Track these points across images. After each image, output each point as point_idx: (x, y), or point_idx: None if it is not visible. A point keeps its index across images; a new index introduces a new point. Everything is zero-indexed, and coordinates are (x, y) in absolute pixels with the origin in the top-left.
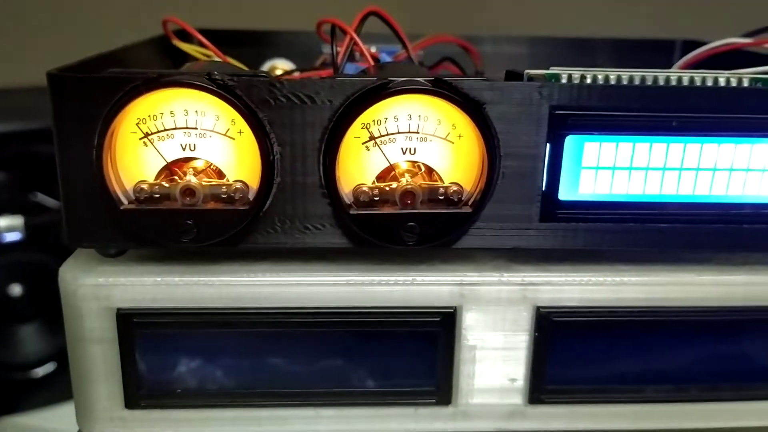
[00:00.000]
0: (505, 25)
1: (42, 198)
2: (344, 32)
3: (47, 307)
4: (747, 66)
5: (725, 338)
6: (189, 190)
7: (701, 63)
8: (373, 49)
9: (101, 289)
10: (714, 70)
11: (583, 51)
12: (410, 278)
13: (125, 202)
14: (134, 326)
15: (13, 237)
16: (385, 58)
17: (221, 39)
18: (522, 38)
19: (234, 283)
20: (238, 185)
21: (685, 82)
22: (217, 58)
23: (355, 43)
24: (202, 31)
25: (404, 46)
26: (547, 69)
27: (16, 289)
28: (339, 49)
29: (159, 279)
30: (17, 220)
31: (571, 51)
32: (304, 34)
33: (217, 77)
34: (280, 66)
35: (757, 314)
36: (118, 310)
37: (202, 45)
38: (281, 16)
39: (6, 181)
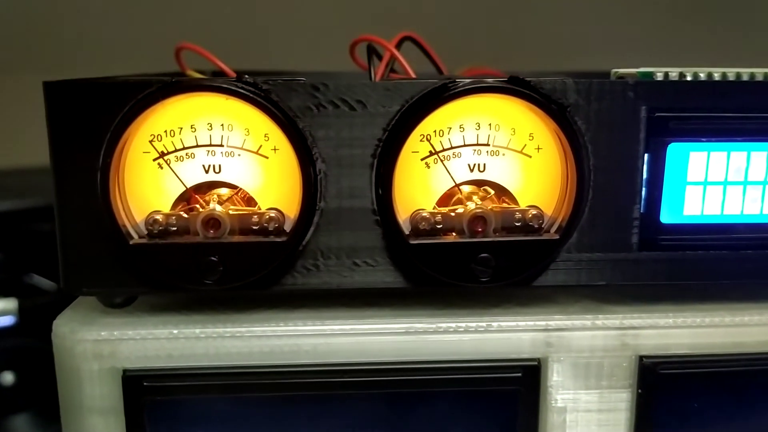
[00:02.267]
0: (546, 61)
1: (38, 280)
2: (379, 57)
3: (42, 396)
4: None
5: None
6: (213, 221)
7: None
8: None
9: (104, 345)
10: None
11: None
12: (484, 324)
13: (135, 236)
14: (144, 392)
15: (5, 321)
16: None
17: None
18: (567, 74)
19: (268, 335)
20: (272, 214)
21: None
22: None
23: (395, 63)
24: (215, 74)
25: (441, 75)
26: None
27: (8, 377)
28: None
29: (176, 331)
30: (10, 303)
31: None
32: (326, 75)
33: (248, 80)
34: None
35: None
36: (125, 371)
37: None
38: (301, 56)
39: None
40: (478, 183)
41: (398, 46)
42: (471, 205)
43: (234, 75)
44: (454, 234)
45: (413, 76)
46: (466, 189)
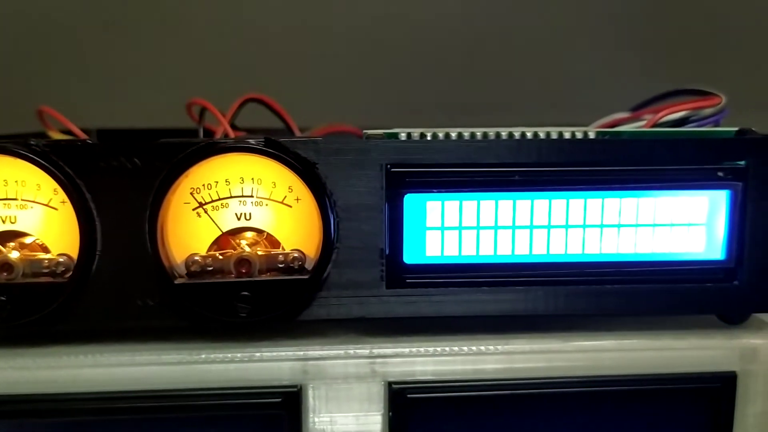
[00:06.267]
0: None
1: None
2: (218, 116)
3: None
4: None
5: (598, 413)
6: (6, 265)
7: None
8: None
9: None
10: None
11: None
12: (248, 355)
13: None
14: None
15: None
16: None
17: (124, 139)
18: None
19: (52, 366)
20: (62, 259)
21: (530, 136)
22: None
23: (226, 134)
24: (103, 132)
25: (291, 133)
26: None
27: None
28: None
29: None
30: None
31: None
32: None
33: (33, 143)
34: None
35: (630, 384)
36: None
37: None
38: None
39: None
40: (256, 230)
41: (240, 107)
42: (239, 249)
43: (83, 136)
44: (222, 274)
45: (231, 136)
46: (249, 235)
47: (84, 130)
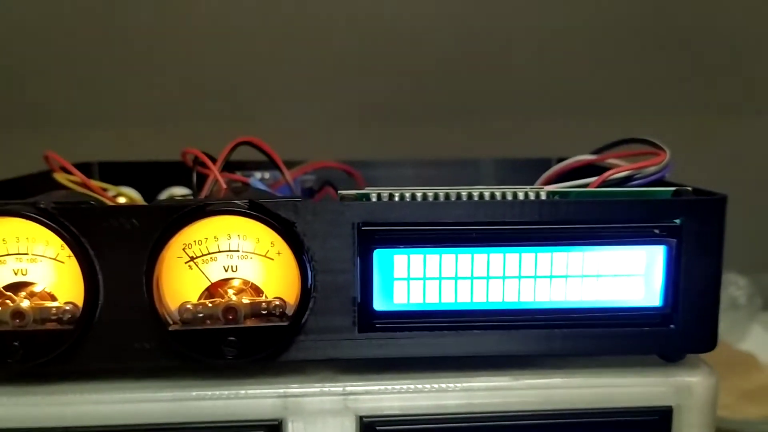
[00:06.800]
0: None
1: None
2: (209, 164)
3: None
4: None
5: None
6: (19, 313)
7: (559, 178)
8: (258, 175)
9: None
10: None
11: (469, 170)
12: (234, 392)
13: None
14: None
15: None
16: (256, 183)
17: (125, 171)
18: (408, 161)
19: (59, 403)
20: (68, 307)
21: (487, 196)
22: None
23: (217, 180)
24: (104, 164)
25: (281, 173)
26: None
27: None
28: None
29: None
30: None
31: (455, 171)
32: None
33: (42, 206)
34: (178, 192)
35: (577, 418)
36: None
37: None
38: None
39: None
40: (242, 280)
41: (232, 151)
42: (227, 297)
43: (85, 179)
44: (213, 321)
45: (223, 186)
46: (237, 283)
47: (87, 164)
